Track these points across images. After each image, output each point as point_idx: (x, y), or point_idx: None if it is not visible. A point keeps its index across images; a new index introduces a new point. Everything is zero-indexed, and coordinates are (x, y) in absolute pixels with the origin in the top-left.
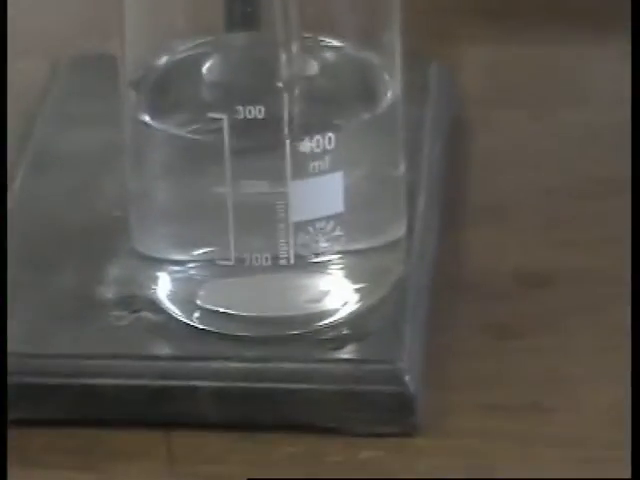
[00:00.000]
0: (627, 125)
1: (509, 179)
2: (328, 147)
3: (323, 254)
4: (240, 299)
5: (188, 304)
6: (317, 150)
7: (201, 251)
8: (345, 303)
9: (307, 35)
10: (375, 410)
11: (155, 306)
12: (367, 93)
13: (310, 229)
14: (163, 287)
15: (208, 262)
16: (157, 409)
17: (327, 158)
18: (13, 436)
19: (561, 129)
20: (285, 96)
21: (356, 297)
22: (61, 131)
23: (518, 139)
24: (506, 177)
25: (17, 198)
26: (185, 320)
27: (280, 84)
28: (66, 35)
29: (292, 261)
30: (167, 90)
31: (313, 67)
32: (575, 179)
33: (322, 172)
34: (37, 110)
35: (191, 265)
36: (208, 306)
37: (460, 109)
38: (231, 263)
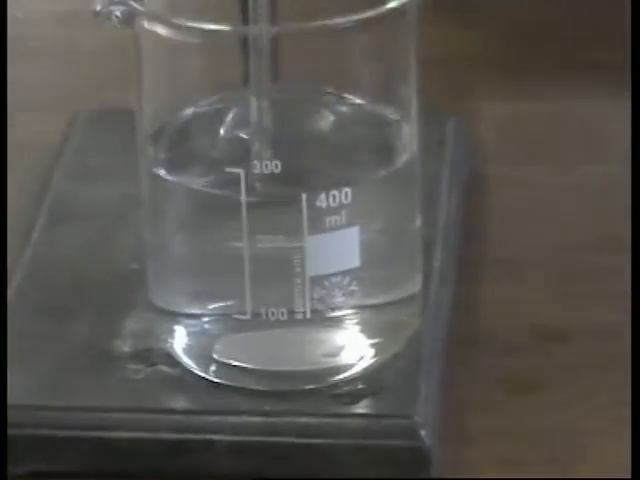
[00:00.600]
0: None
1: (525, 234)
2: (344, 202)
3: (339, 309)
4: (256, 353)
5: (204, 358)
6: (333, 205)
7: (217, 305)
8: (361, 358)
9: (324, 90)
10: (391, 465)
11: (171, 359)
12: (384, 148)
13: (326, 284)
14: (179, 340)
15: (224, 316)
16: (173, 462)
17: (343, 213)
18: None
19: (578, 184)
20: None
21: (372, 352)
22: (79, 184)
23: (535, 194)
24: (522, 232)
25: (35, 250)
26: (201, 374)
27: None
28: (84, 89)
29: (308, 315)
30: (184, 144)
31: (330, 122)
32: (592, 234)
33: (338, 227)
34: (55, 163)
35: (207, 319)
36: (224, 360)
37: (477, 164)
38: (247, 317)
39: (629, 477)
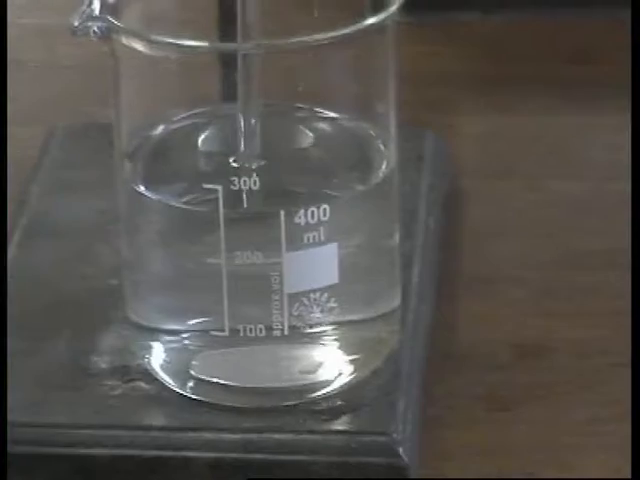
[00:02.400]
0: (621, 196)
1: (503, 250)
2: (323, 218)
3: (317, 325)
4: (234, 369)
5: (182, 374)
6: (312, 221)
7: (195, 321)
8: (339, 374)
9: (302, 106)
10: None
11: (149, 376)
12: (362, 164)
13: (305, 300)
14: (157, 357)
15: (202, 332)
16: None
17: (322, 229)
18: None
19: (555, 200)
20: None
21: (350, 368)
22: (56, 199)
23: (512, 210)
24: (500, 248)
25: (11, 265)
26: (179, 390)
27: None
28: (62, 103)
29: (286, 332)
30: (162, 160)
31: (308, 138)
32: (569, 250)
33: (317, 243)
34: (32, 177)
35: (185, 335)
36: (202, 376)
37: (455, 179)
38: (225, 334)
39: (629, 477)
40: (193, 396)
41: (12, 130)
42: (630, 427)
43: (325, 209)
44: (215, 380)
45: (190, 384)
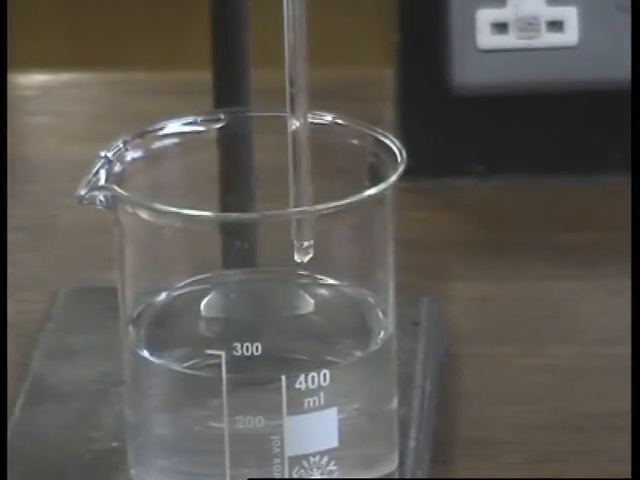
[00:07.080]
0: (617, 360)
1: (499, 414)
2: (323, 383)
3: None
4: None
5: None
6: (312, 386)
7: None
8: None
9: (303, 272)
10: None
11: None
12: (361, 330)
13: (305, 463)
14: None
15: None
16: None
17: (322, 394)
18: None
19: (551, 364)
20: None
21: None
22: (59, 362)
23: (508, 374)
24: (496, 412)
25: (15, 429)
26: None
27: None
28: (65, 268)
29: None
30: (166, 326)
31: (309, 305)
32: (565, 414)
33: (317, 408)
34: (36, 341)
35: None
36: None
37: (450, 344)
38: None
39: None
40: None
41: (15, 295)
42: None
43: (325, 374)
44: None
45: None
